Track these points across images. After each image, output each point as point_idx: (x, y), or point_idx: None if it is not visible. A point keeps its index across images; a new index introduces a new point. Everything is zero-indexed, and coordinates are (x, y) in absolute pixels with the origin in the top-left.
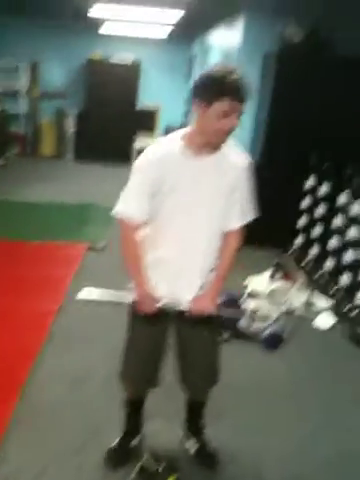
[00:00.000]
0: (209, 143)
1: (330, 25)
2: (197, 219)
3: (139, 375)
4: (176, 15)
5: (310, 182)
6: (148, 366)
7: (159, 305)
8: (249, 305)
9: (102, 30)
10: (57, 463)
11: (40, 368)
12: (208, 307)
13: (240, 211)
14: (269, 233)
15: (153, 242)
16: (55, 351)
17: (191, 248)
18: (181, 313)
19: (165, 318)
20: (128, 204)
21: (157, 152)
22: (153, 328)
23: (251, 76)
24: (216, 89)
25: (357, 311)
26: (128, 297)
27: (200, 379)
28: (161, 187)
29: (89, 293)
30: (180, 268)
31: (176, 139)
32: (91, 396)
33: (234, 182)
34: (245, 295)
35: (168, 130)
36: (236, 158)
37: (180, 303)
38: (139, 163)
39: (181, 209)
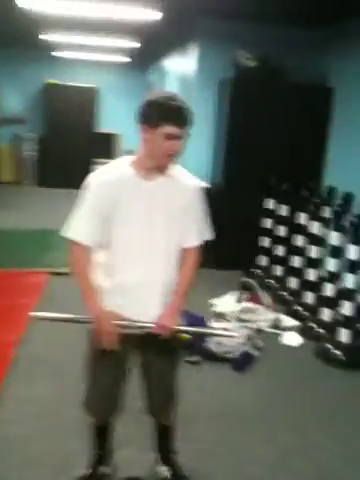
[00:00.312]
0: (158, 166)
1: (280, 53)
2: (153, 242)
3: (101, 404)
4: (130, 43)
5: (270, 203)
6: (110, 395)
7: (120, 329)
8: (217, 326)
9: (59, 54)
10: None
11: (5, 402)
12: (169, 324)
13: (195, 230)
14: (233, 254)
15: (112, 267)
16: (20, 382)
17: (150, 270)
18: (142, 337)
19: (125, 346)
20: (77, 226)
21: (109, 174)
22: (114, 357)
23: (207, 102)
24: (160, 114)
25: (323, 329)
26: (87, 318)
27: (158, 402)
28: (114, 211)
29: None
30: (141, 291)
31: (125, 164)
32: (60, 427)
33: (186, 203)
34: (212, 317)
35: (128, 155)
36: (187, 180)
37: (143, 326)
38: (91, 185)
39: (137, 232)
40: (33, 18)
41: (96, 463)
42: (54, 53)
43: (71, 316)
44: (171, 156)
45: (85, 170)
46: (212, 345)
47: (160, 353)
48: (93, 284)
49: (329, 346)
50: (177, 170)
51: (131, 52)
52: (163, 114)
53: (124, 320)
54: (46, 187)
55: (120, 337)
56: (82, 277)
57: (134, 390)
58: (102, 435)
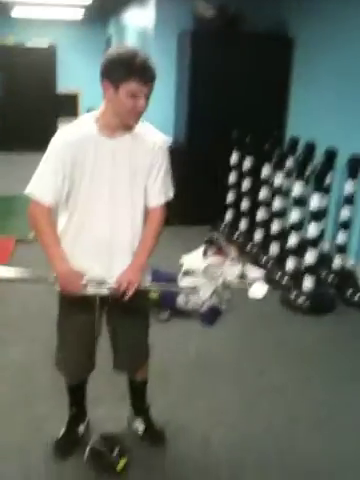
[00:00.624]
0: (123, 124)
1: (239, 2)
2: (120, 198)
3: (73, 361)
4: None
5: (234, 158)
6: (81, 352)
7: (85, 288)
8: (185, 282)
9: (14, 13)
10: (3, 462)
11: None
12: (131, 279)
13: (160, 188)
14: (200, 210)
15: (79, 225)
16: None
17: (117, 227)
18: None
19: (93, 301)
20: (39, 184)
21: (73, 134)
22: (82, 313)
23: (167, 54)
24: (123, 71)
25: (287, 278)
26: (50, 276)
27: (130, 358)
28: (77, 171)
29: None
30: (110, 247)
31: (89, 121)
32: (33, 390)
33: (151, 161)
34: (181, 273)
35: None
36: (152, 137)
37: (108, 285)
38: (54, 144)
39: (103, 190)
40: None
41: (72, 422)
42: (8, 12)
43: (32, 275)
44: (135, 115)
45: (48, 132)
46: (180, 302)
47: (129, 311)
48: (57, 242)
49: (293, 294)
50: (143, 127)
51: (88, 7)
52: (126, 71)
53: (89, 280)
54: (7, 152)
55: (86, 297)
56: (44, 235)
57: (105, 349)
58: (76, 394)
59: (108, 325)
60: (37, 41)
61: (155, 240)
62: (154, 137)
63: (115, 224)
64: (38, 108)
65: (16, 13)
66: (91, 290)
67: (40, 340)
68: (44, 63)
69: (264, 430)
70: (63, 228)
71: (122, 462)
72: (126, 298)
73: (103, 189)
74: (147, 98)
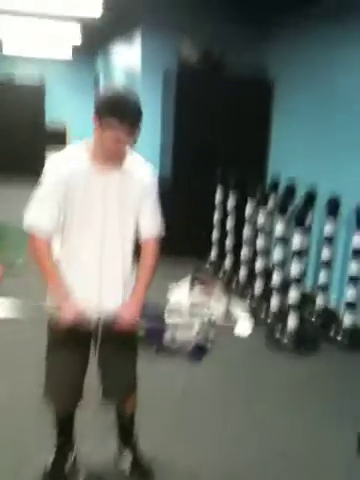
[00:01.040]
0: (110, 160)
1: (222, 46)
2: (110, 231)
3: (61, 393)
4: (74, 31)
5: (218, 196)
6: (70, 383)
7: (81, 316)
8: (172, 319)
9: (4, 50)
10: None
11: None
12: (134, 315)
13: (150, 220)
14: (187, 244)
15: (71, 257)
16: None
17: (107, 259)
18: (103, 325)
19: (86, 334)
20: (39, 214)
21: (66, 168)
22: (72, 345)
23: (153, 91)
24: (112, 119)
25: (272, 316)
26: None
27: (117, 391)
28: (70, 202)
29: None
30: (100, 278)
31: (81, 154)
32: (20, 424)
33: (140, 195)
34: (167, 310)
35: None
36: (141, 173)
37: (103, 313)
38: (49, 178)
39: (94, 223)
40: None
41: (60, 455)
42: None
43: (25, 310)
44: (119, 156)
45: (36, 165)
46: (166, 339)
47: (118, 342)
48: (59, 273)
49: (278, 332)
50: (132, 160)
51: (75, 45)
52: (114, 120)
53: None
54: None
55: (80, 328)
56: (47, 267)
57: (92, 382)
58: (65, 425)
59: (97, 356)
60: (27, 77)
61: (151, 275)
62: (143, 172)
63: (105, 256)
64: (27, 142)
65: (7, 50)
66: (91, 321)
67: (24, 370)
68: (34, 99)
69: (251, 465)
70: (56, 257)
71: None
72: (123, 329)
73: (94, 223)
74: (132, 137)
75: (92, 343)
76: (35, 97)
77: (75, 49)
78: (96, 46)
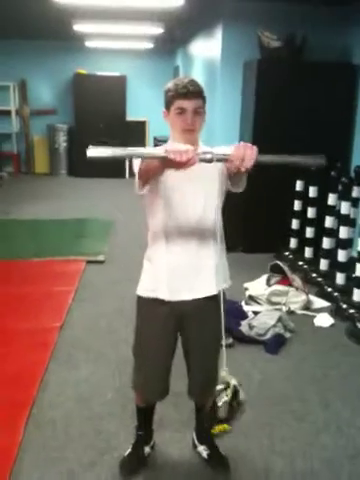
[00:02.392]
0: (185, 137)
1: (304, 32)
2: (198, 212)
3: (149, 385)
4: (156, 30)
5: (299, 185)
6: (157, 376)
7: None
8: (250, 309)
9: (88, 44)
10: (73, 478)
11: (48, 386)
12: (251, 157)
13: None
14: (265, 237)
15: (163, 245)
16: (61, 368)
17: (199, 242)
18: (189, 315)
19: (170, 326)
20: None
21: None
22: (159, 339)
23: (233, 84)
24: (170, 94)
25: (354, 309)
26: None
27: (200, 384)
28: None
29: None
30: (193, 263)
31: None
32: (100, 411)
33: (219, 173)
34: (245, 300)
35: (156, 141)
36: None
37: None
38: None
39: (183, 206)
40: (63, 10)
41: (139, 443)
42: (83, 43)
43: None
44: (187, 130)
45: (117, 160)
46: (244, 328)
47: (203, 335)
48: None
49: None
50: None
51: (156, 38)
52: (172, 93)
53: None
54: (80, 177)
55: (168, 318)
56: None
57: (173, 373)
58: (145, 416)
59: (183, 348)
60: (109, 70)
61: None
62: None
63: (196, 239)
64: (109, 134)
65: (91, 44)
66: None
67: (106, 360)
68: (115, 91)
69: (325, 465)
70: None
71: None
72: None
73: (182, 205)
74: (197, 114)
75: (179, 335)
76: (116, 88)
77: (155, 42)
78: (176, 38)
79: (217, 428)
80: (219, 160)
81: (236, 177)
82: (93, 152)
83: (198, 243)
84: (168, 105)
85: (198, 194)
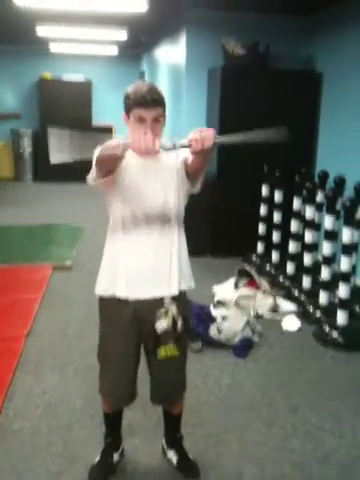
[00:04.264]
0: (143, 151)
1: (268, 40)
2: (156, 207)
3: (115, 389)
4: (121, 35)
5: (264, 191)
6: (122, 380)
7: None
8: (217, 314)
9: (52, 49)
10: None
11: (14, 396)
12: (209, 137)
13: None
14: (232, 241)
15: (120, 241)
16: (28, 377)
17: (159, 239)
18: (150, 318)
19: (134, 330)
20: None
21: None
22: (123, 341)
23: (198, 90)
24: (130, 101)
25: (320, 312)
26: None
27: (167, 391)
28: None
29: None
30: (152, 261)
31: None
32: (68, 420)
33: (174, 167)
34: (213, 304)
35: None
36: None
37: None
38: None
39: (140, 201)
40: (26, 13)
41: (108, 450)
42: (47, 48)
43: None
44: (146, 143)
45: (84, 164)
46: (212, 332)
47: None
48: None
49: (327, 328)
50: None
51: (121, 44)
52: (131, 101)
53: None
54: (45, 182)
55: (130, 322)
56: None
57: (140, 379)
58: (113, 422)
59: (149, 355)
60: (74, 75)
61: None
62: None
63: (159, 236)
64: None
65: (55, 48)
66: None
67: (74, 368)
68: (80, 96)
69: (295, 469)
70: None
71: None
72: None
73: (140, 202)
74: (156, 122)
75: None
76: (82, 93)
77: (121, 47)
78: (142, 44)
79: (164, 351)
80: (181, 146)
81: (195, 171)
82: (55, 158)
83: (158, 240)
84: (127, 111)
85: (156, 190)
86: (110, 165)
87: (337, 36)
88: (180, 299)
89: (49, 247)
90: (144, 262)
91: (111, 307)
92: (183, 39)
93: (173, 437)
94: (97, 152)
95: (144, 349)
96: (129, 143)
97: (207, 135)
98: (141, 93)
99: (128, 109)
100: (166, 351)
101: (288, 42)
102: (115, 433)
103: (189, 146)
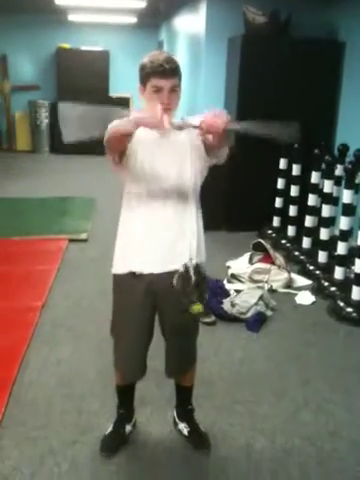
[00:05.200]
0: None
1: (289, 8)
2: (171, 182)
3: (128, 363)
4: (139, 3)
5: (283, 163)
6: (135, 354)
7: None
8: (232, 287)
9: (70, 18)
10: (53, 457)
11: (29, 365)
12: (218, 124)
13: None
14: (248, 215)
15: (134, 216)
16: (43, 347)
17: (174, 213)
18: (167, 291)
19: (147, 302)
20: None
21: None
22: (135, 316)
23: (217, 60)
24: (146, 71)
25: (335, 287)
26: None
27: (179, 364)
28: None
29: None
30: (167, 235)
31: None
32: (82, 390)
33: (187, 141)
34: (227, 278)
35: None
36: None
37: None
38: None
39: (155, 176)
40: None
41: (120, 422)
42: (65, 17)
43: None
44: (163, 108)
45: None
46: (226, 306)
47: (180, 313)
48: None
49: (341, 304)
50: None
51: (139, 12)
52: (148, 70)
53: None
54: (62, 154)
55: (144, 296)
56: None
57: (152, 351)
58: (126, 395)
59: (160, 326)
60: (92, 44)
61: None
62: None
63: (173, 210)
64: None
65: (73, 17)
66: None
67: (88, 339)
68: (98, 66)
69: (306, 442)
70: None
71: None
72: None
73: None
74: (173, 92)
75: (156, 313)
76: (99, 63)
77: (139, 16)
78: (160, 13)
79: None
80: (192, 126)
81: (213, 148)
82: (69, 137)
83: (173, 214)
84: (144, 81)
85: (171, 165)
86: (120, 145)
87: None
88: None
89: (65, 219)
90: (159, 237)
91: (125, 281)
92: (203, 7)
93: (184, 409)
94: (108, 131)
95: (160, 323)
96: (139, 119)
97: (216, 122)
98: (158, 62)
99: (144, 79)
100: (194, 309)
101: (310, 10)
102: (128, 405)
103: (199, 127)
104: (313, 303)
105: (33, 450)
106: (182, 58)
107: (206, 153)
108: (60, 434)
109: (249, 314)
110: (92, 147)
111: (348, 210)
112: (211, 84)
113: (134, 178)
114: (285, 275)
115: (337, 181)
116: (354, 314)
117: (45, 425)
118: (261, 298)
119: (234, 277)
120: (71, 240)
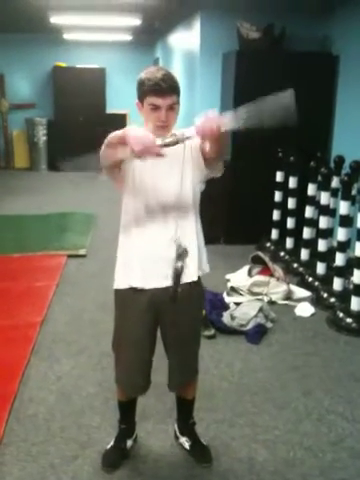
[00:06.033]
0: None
1: (283, 22)
2: (171, 195)
3: (130, 379)
4: (134, 21)
5: (279, 176)
6: (137, 369)
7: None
8: (231, 300)
9: (66, 37)
10: (54, 473)
11: (29, 381)
12: (213, 124)
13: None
14: (246, 228)
15: (134, 231)
16: (43, 363)
17: (175, 227)
18: (168, 305)
19: (149, 317)
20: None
21: None
22: (137, 331)
23: (212, 75)
24: (143, 89)
25: (334, 298)
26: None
27: (178, 379)
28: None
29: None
30: (168, 248)
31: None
32: (82, 405)
33: (186, 154)
34: (226, 291)
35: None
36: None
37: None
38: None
39: (155, 190)
40: (40, 1)
41: (122, 436)
42: (61, 36)
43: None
44: (160, 126)
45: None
46: (226, 319)
47: (182, 327)
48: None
49: (340, 314)
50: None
51: (135, 30)
52: (145, 88)
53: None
54: (60, 171)
55: (146, 310)
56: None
57: (154, 364)
58: (127, 410)
59: (162, 341)
60: (88, 63)
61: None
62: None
63: (172, 221)
64: (89, 127)
65: (68, 36)
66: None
67: (88, 354)
68: (94, 84)
69: (307, 452)
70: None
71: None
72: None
73: (154, 191)
74: (171, 110)
75: (158, 327)
76: (96, 81)
77: (134, 33)
78: (155, 30)
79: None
80: (186, 138)
81: (212, 157)
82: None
83: (174, 229)
84: (141, 98)
85: (170, 177)
86: (113, 161)
87: (354, 18)
88: (197, 284)
89: (63, 235)
90: (160, 251)
91: (127, 296)
92: (197, 23)
93: (186, 423)
94: (102, 149)
95: (161, 337)
96: (129, 148)
97: (210, 126)
98: (155, 80)
99: (142, 96)
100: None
101: (304, 24)
102: (129, 420)
103: (190, 138)
104: (313, 314)
105: (34, 466)
106: (178, 74)
107: (205, 164)
108: (61, 449)
109: (249, 326)
110: (90, 163)
111: (345, 221)
112: (207, 99)
113: (133, 193)
114: (284, 287)
115: (334, 193)
116: (354, 324)
117: (46, 441)
118: (261, 310)
119: (233, 290)
120: (70, 256)
